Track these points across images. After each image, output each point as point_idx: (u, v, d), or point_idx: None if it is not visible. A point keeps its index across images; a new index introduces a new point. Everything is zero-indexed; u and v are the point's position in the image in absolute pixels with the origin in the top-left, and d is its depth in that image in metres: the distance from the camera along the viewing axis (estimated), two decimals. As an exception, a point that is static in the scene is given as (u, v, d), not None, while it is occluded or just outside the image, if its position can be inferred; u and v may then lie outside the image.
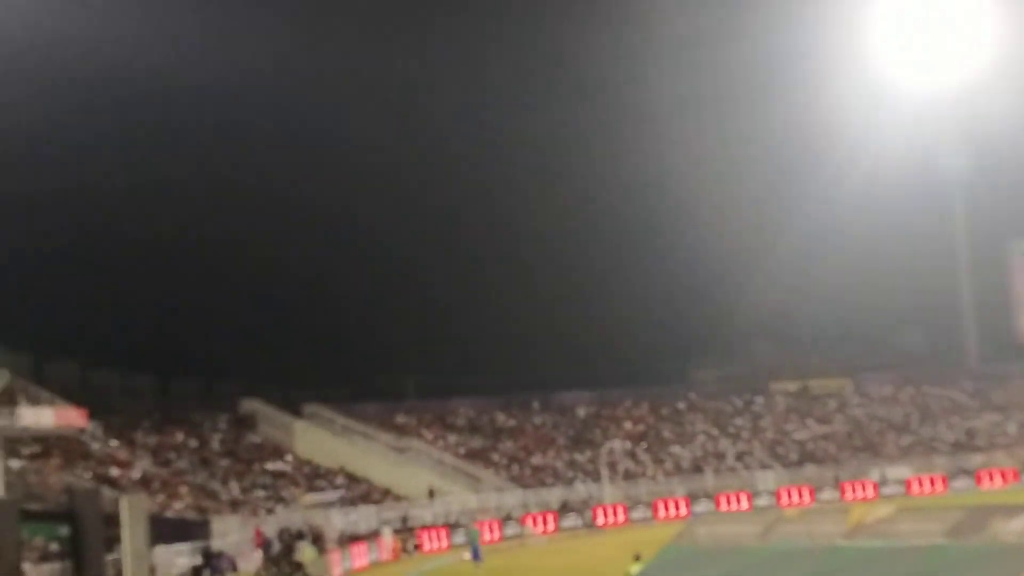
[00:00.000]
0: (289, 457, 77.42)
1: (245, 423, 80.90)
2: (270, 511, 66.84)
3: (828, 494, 79.92)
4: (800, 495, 79.93)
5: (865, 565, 14.06)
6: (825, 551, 14.62)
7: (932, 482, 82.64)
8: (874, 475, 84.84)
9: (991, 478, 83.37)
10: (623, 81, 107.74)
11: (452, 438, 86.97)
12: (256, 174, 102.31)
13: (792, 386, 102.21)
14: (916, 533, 14.16)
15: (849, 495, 79.08)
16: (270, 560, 52.09)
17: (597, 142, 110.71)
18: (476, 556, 52.51)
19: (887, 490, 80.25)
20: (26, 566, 37.69)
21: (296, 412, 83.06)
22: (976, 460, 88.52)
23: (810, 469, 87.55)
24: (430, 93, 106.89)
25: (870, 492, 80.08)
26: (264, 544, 58.89)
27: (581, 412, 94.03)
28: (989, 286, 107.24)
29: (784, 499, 78.13)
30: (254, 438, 79.51)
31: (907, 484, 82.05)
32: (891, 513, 15.09)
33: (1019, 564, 12.73)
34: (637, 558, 32.72)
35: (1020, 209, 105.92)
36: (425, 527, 66.85)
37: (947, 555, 13.38)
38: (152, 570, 49.26)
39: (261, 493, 70.13)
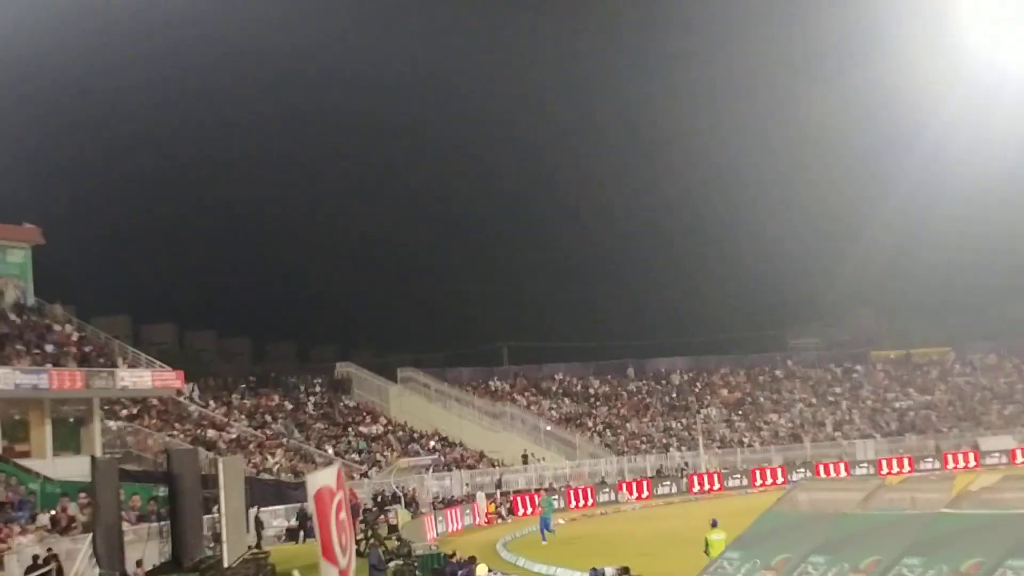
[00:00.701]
0: (383, 420, 77.63)
1: (340, 386, 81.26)
2: (364, 474, 67.04)
3: (929, 464, 78.69)
4: (900, 465, 78.80)
5: (969, 533, 13.55)
6: (928, 518, 14.12)
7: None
8: (979, 444, 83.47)
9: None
10: (722, 54, 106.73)
11: (546, 403, 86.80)
12: (361, 157, 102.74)
13: (893, 354, 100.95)
14: (1021, 501, 13.62)
15: (951, 465, 77.80)
16: (364, 523, 52.16)
17: (700, 115, 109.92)
18: (546, 527, 49.04)
19: (990, 460, 78.85)
20: (124, 526, 37.98)
21: (391, 376, 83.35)
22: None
23: (911, 439, 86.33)
24: (517, 79, 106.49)
25: (972, 462, 78.76)
26: (358, 507, 59.09)
27: (676, 379, 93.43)
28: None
29: (884, 469, 77.06)
30: (349, 401, 79.83)
31: (1011, 454, 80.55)
32: (996, 482, 14.55)
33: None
34: (714, 524, 32.48)
35: None
36: (519, 492, 66.69)
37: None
38: (260, 525, 49.68)
39: (355, 456, 70.39)
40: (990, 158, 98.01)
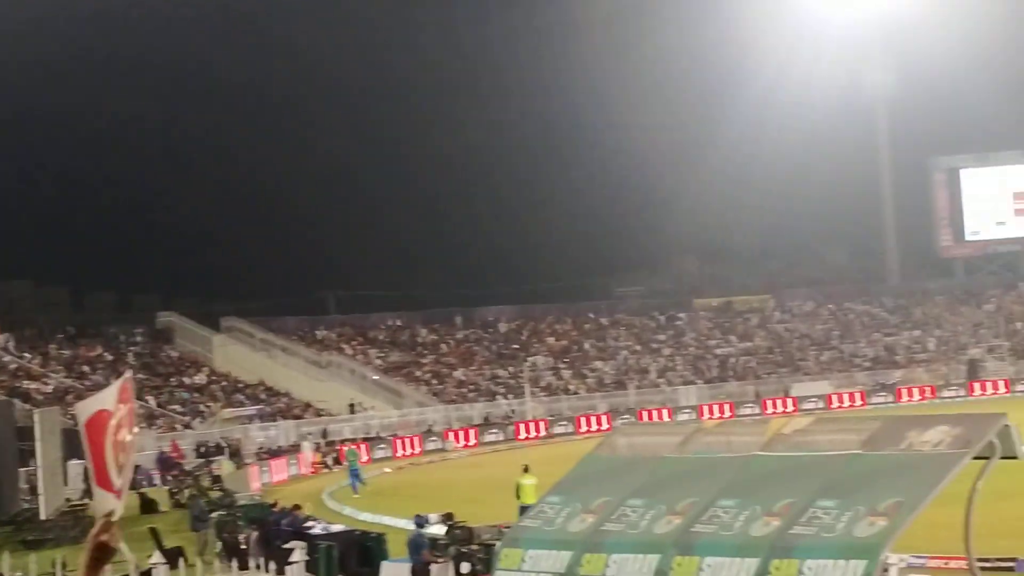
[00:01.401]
0: (207, 371, 76.67)
1: (162, 336, 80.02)
2: (187, 425, 66.22)
3: (749, 409, 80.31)
4: (721, 410, 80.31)
5: (782, 474, 13.86)
6: (743, 461, 14.40)
7: (851, 397, 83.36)
8: (794, 390, 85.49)
9: (909, 393, 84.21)
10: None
11: (373, 352, 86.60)
12: (172, 106, 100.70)
13: (715, 302, 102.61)
14: (832, 443, 13.98)
15: (769, 410, 79.50)
16: (187, 474, 51.54)
17: (525, 60, 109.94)
18: (356, 478, 48.11)
19: (806, 405, 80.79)
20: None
21: (214, 326, 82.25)
22: (895, 376, 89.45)
23: (731, 385, 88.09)
24: (343, 20, 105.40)
25: (789, 407, 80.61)
26: (180, 458, 58.45)
27: (504, 327, 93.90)
28: (910, 204, 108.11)
29: (705, 414, 78.43)
30: (171, 352, 78.67)
31: (827, 399, 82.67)
32: (808, 425, 14.90)
33: (932, 473, 12.57)
34: (526, 469, 32.88)
35: (941, 127, 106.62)
36: (346, 441, 66.50)
37: (862, 464, 13.22)
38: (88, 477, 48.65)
39: (178, 407, 69.45)
40: (811, 107, 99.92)
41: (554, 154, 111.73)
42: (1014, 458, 13.34)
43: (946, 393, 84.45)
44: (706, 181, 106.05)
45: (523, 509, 30.57)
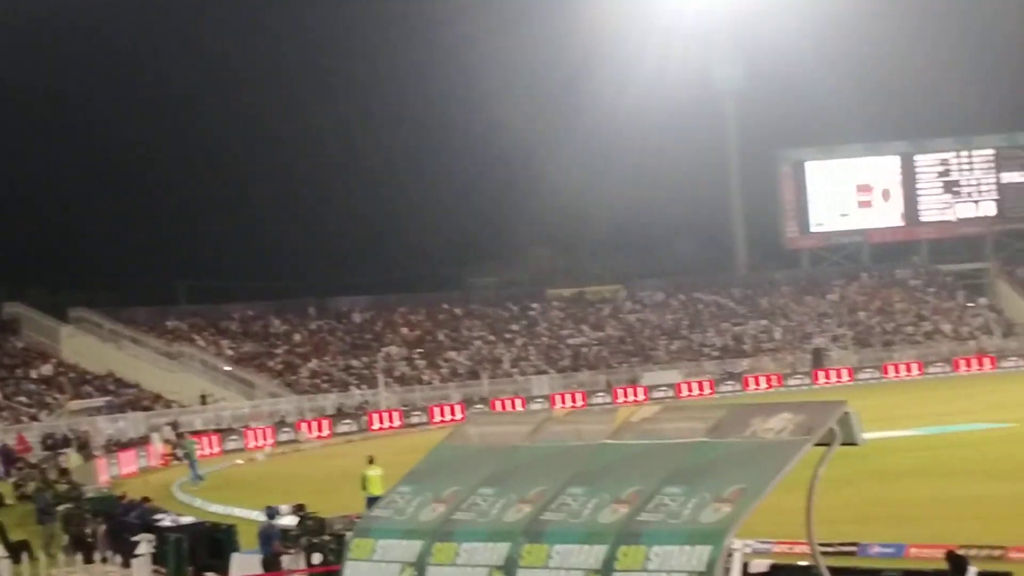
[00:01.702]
0: (54, 362, 75.22)
1: (8, 327, 78.27)
2: (34, 418, 64.93)
3: (600, 398, 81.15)
4: (574, 399, 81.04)
5: (630, 462, 14.04)
6: (592, 449, 14.56)
7: (700, 386, 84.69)
8: (645, 379, 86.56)
9: (756, 382, 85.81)
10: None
11: (225, 343, 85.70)
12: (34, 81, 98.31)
13: (567, 292, 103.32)
14: (679, 431, 14.20)
15: (620, 399, 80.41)
16: (33, 467, 50.55)
17: (380, 49, 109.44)
18: (193, 470, 47.83)
19: (657, 394, 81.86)
20: None
21: (62, 316, 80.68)
22: (743, 365, 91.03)
23: (584, 374, 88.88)
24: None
25: (641, 396, 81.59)
26: (27, 451, 57.36)
27: (358, 317, 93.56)
28: (758, 196, 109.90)
29: (558, 404, 79.02)
30: (17, 343, 77.01)
31: (677, 388, 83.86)
32: (656, 413, 15.08)
33: (775, 460, 12.86)
34: (371, 460, 32.93)
35: (787, 120, 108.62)
36: (196, 433, 65.75)
37: (708, 451, 13.46)
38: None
39: (24, 399, 68.03)
40: (661, 100, 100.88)
41: (408, 145, 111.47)
42: (854, 444, 13.68)
43: (792, 381, 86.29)
44: (559, 173, 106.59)
45: (370, 500, 30.68)
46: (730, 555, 12.49)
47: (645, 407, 15.54)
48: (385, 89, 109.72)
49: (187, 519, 29.58)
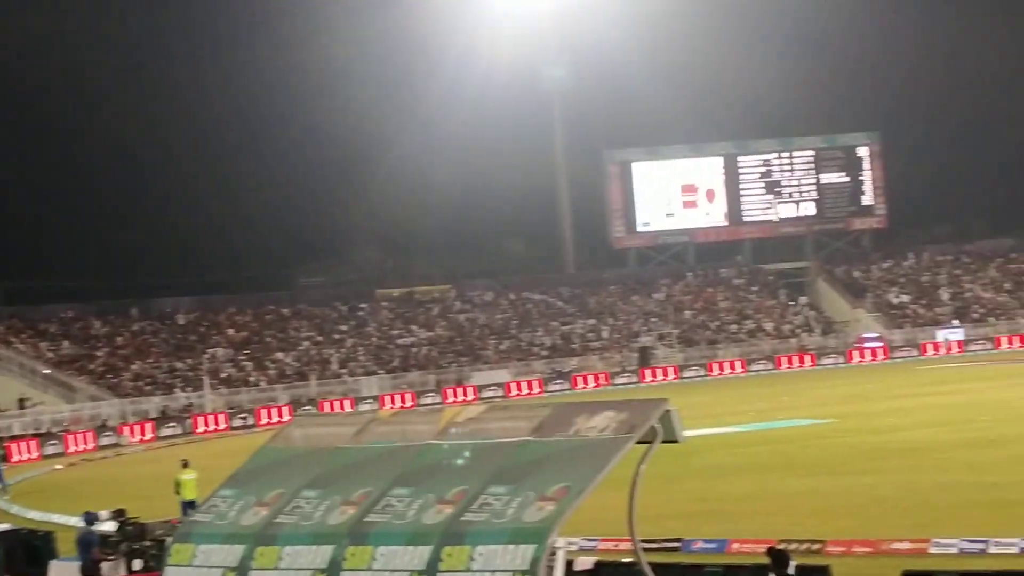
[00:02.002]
0: None
1: None
2: None
3: (430, 398, 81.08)
4: (404, 400, 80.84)
5: (455, 461, 14.02)
6: (417, 450, 14.51)
7: (529, 385, 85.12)
8: (474, 379, 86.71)
9: (585, 381, 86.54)
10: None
11: (44, 346, 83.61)
12: None
13: (397, 292, 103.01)
14: (504, 431, 14.22)
15: (450, 399, 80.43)
16: None
17: (202, 45, 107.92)
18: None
19: (486, 394, 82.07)
20: None
21: None
22: (572, 364, 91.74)
23: (413, 374, 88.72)
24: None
25: (470, 396, 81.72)
26: None
27: (182, 318, 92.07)
28: (585, 196, 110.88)
29: (387, 404, 78.76)
30: None
31: (506, 387, 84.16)
32: (481, 413, 15.10)
33: (598, 458, 12.96)
34: (185, 464, 32.39)
35: (614, 120, 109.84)
36: (15, 438, 63.99)
37: (532, 450, 13.51)
38: None
39: None
40: (490, 100, 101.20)
41: (235, 143, 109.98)
42: (676, 442, 13.82)
43: (619, 380, 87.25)
44: (388, 172, 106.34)
45: (185, 505, 30.18)
46: (553, 553, 12.53)
47: (470, 407, 15.54)
48: (210, 88, 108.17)
49: (3, 526, 28.74)
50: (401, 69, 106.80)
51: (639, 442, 13.38)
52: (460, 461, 13.95)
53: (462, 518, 13.02)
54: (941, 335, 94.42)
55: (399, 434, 15.21)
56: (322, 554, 13.57)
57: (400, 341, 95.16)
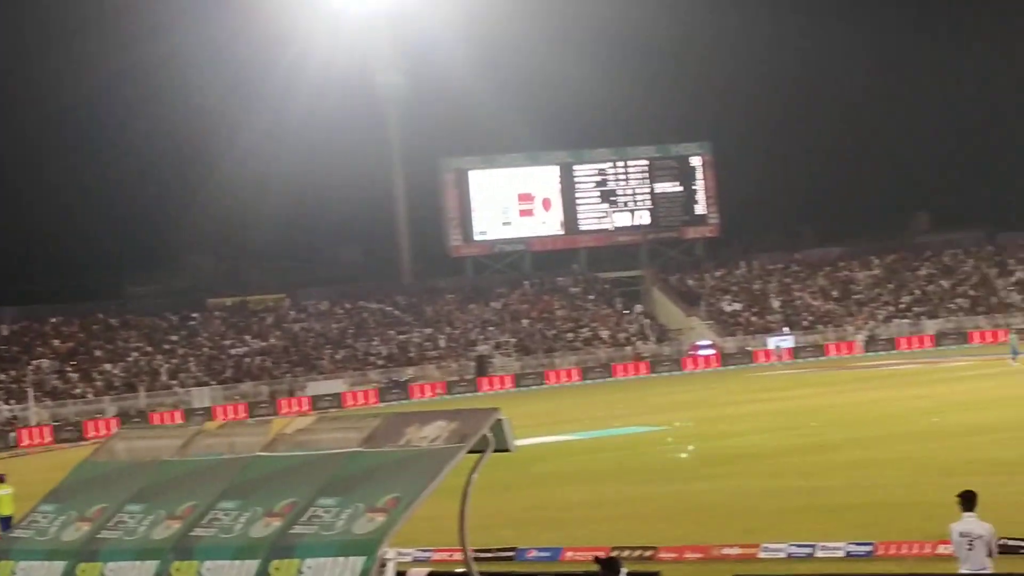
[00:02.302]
0: None
1: None
2: None
3: (264, 409, 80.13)
4: (236, 411, 79.80)
5: (284, 474, 13.78)
6: (244, 462, 14.22)
7: (366, 395, 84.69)
8: (309, 389, 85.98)
9: (422, 390, 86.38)
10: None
11: None
12: None
13: (230, 301, 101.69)
14: (334, 441, 14.01)
15: (284, 410, 79.59)
16: None
17: (20, 47, 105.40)
18: None
19: (323, 404, 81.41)
20: None
21: None
22: (408, 373, 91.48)
23: (246, 385, 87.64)
24: None
25: (305, 406, 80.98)
26: None
27: (5, 329, 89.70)
28: (422, 204, 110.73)
29: (220, 416, 77.65)
30: None
31: (342, 398, 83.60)
32: (310, 423, 14.87)
33: (429, 468, 12.83)
34: (1, 479, 31.43)
35: (450, 128, 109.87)
36: None
37: (362, 461, 13.34)
38: None
39: None
40: (325, 107, 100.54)
41: (62, 146, 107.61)
42: (507, 451, 13.73)
43: (456, 390, 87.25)
44: (221, 179, 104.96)
45: (2, 521, 29.25)
46: (384, 565, 12.35)
47: (300, 418, 15.28)
48: (34, 88, 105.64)
49: None
50: (235, 73, 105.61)
51: (471, 451, 13.26)
52: (289, 473, 13.69)
53: (290, 531, 12.78)
54: (772, 342, 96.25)
55: (226, 446, 14.89)
56: (146, 570, 13.22)
57: (233, 351, 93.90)
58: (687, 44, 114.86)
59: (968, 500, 14.72)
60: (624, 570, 14.70)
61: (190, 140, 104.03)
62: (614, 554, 17.28)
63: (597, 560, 14.44)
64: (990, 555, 14.54)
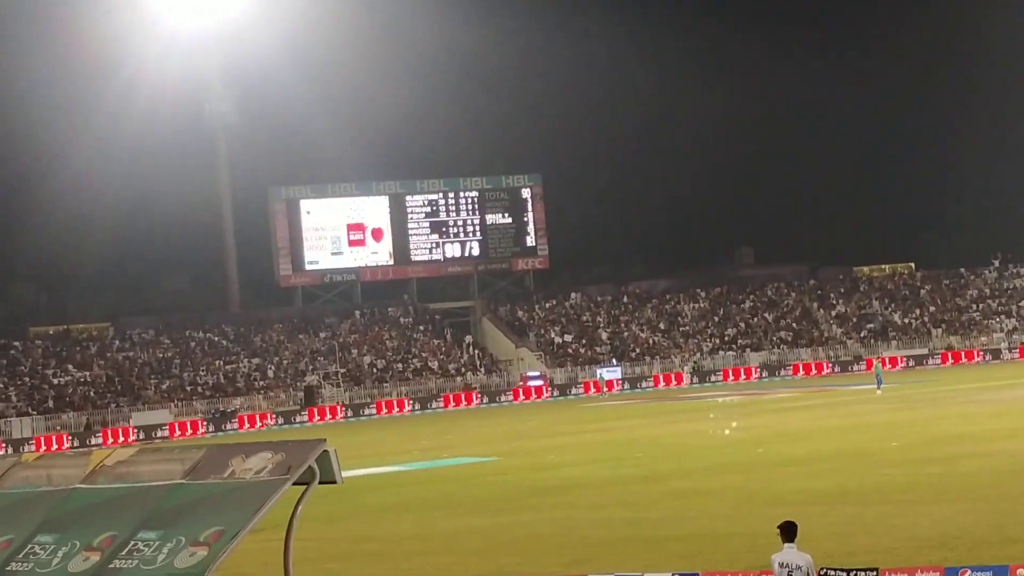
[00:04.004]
0: None
1: None
2: None
3: (86, 440, 78.34)
4: (60, 442, 77.88)
5: (104, 507, 13.44)
6: (63, 495, 13.82)
7: (192, 426, 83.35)
8: (134, 419, 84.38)
9: (250, 421, 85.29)
10: None
11: None
12: None
13: (52, 330, 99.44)
14: (155, 473, 13.67)
15: (109, 440, 77.94)
16: None
17: None
18: None
19: (147, 434, 79.91)
20: None
21: None
22: (235, 403, 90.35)
23: (69, 415, 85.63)
24: None
25: (130, 437, 79.42)
26: None
27: None
28: (251, 233, 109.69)
29: (41, 447, 75.71)
30: None
31: (168, 428, 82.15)
32: (132, 455, 14.50)
33: (253, 500, 12.62)
34: None
35: (281, 157, 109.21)
36: None
37: (184, 494, 13.06)
38: None
39: None
40: (153, 135, 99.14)
41: None
42: (334, 483, 13.59)
43: (284, 420, 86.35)
44: (45, 205, 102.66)
45: None
46: (195, 600, 12.11)
47: (121, 449, 14.93)
48: None
49: None
50: (61, 98, 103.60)
51: (296, 483, 13.09)
52: (109, 506, 13.36)
53: (110, 565, 12.46)
54: (600, 374, 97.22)
55: (44, 478, 14.48)
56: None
57: (55, 380, 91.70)
58: (519, 77, 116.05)
59: (788, 531, 14.97)
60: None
61: (13, 165, 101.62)
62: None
63: None
64: (809, 584, 14.80)
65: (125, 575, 12.25)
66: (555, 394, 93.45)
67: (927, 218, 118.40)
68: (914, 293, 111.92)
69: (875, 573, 19.02)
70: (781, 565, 14.82)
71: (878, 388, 66.91)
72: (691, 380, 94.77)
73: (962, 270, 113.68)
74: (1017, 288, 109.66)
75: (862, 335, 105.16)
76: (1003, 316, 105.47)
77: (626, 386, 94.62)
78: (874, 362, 77.51)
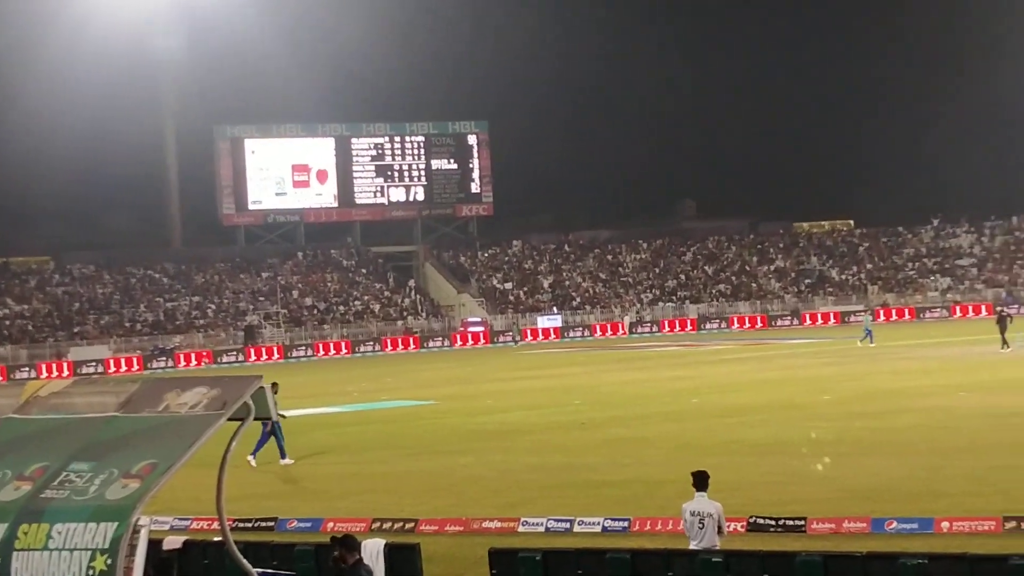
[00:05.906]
0: None
1: None
2: None
3: (24, 374, 77.91)
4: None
5: (36, 437, 13.40)
6: (-6, 426, 13.72)
7: (129, 362, 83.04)
8: (72, 354, 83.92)
9: (188, 359, 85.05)
10: None
11: None
12: None
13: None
14: (89, 406, 13.66)
15: (45, 375, 77.49)
16: None
17: None
18: None
19: (85, 370, 79.46)
20: None
21: None
22: (175, 341, 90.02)
23: (6, 348, 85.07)
24: None
25: (67, 372, 78.99)
26: None
27: None
28: (195, 171, 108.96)
29: (-24, 379, 75.27)
30: None
31: (105, 364, 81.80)
32: (66, 386, 14.44)
33: (187, 434, 12.65)
34: None
35: (227, 96, 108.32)
36: None
37: (118, 426, 13.06)
38: None
39: None
40: (97, 70, 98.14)
41: None
42: (268, 419, 13.64)
43: (224, 359, 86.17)
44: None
45: None
46: (137, 532, 12.13)
47: (54, 381, 14.88)
48: None
49: None
50: (3, 33, 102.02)
51: (231, 419, 13.11)
52: (42, 437, 13.33)
53: (41, 495, 12.45)
54: (541, 321, 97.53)
55: (-25, 409, 14.42)
56: None
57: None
58: (468, 23, 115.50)
59: (700, 480, 15.16)
60: (379, 544, 14.76)
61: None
62: (375, 526, 17.33)
63: (333, 540, 14.42)
64: (720, 532, 15.01)
65: (56, 505, 12.25)
66: (495, 340, 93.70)
67: (868, 176, 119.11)
68: (852, 250, 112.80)
69: (803, 522, 19.32)
70: (692, 513, 15.03)
71: (868, 340, 63.83)
72: (630, 330, 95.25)
73: (900, 228, 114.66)
74: (952, 247, 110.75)
75: (799, 290, 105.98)
76: (938, 275, 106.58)
77: (565, 334, 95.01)
78: (866, 314, 76.42)
